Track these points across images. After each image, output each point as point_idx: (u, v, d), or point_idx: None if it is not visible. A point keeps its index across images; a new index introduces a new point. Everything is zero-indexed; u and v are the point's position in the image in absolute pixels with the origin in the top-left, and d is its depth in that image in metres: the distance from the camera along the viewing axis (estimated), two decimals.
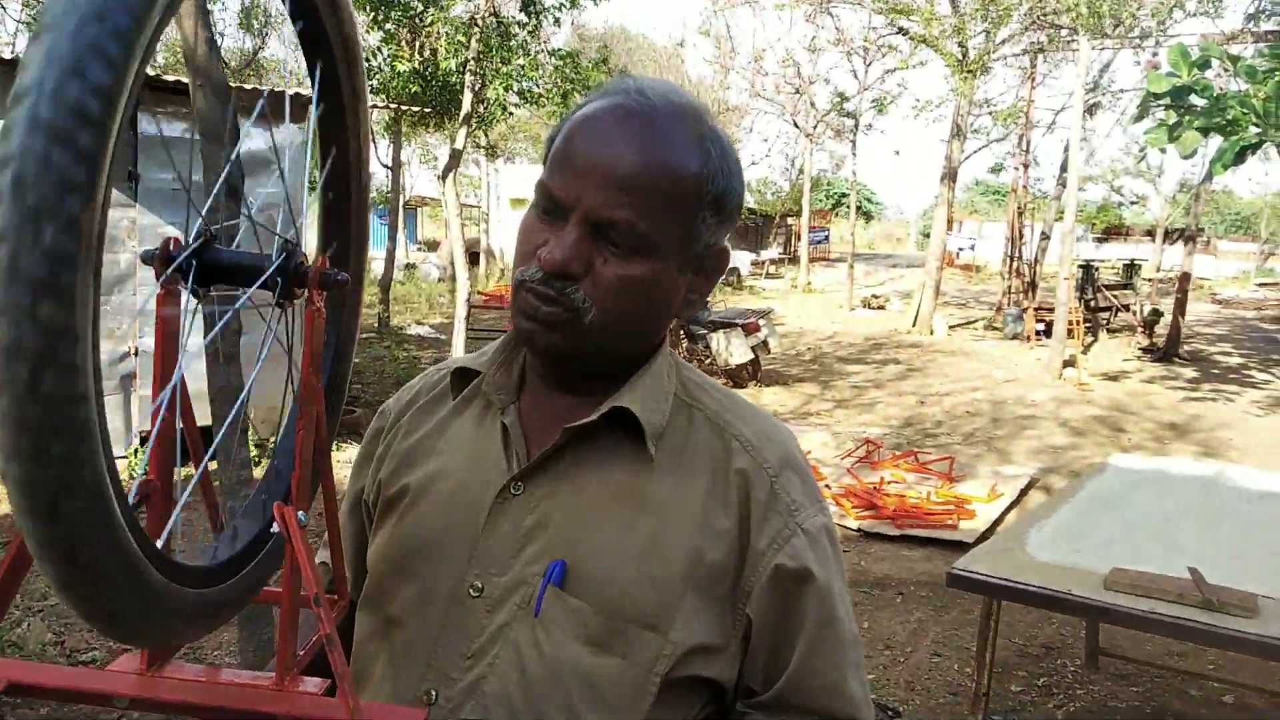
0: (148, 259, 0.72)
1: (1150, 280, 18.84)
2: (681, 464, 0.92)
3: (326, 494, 0.84)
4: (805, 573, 0.90)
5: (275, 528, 0.75)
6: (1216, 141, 8.26)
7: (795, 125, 24.26)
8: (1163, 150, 8.90)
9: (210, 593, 0.70)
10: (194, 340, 0.74)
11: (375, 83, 8.74)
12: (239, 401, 0.62)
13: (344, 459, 6.90)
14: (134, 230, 6.09)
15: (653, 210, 0.87)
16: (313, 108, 0.83)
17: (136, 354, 6.08)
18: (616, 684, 0.87)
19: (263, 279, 0.72)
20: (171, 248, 0.70)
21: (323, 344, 0.80)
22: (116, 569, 0.54)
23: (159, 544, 0.66)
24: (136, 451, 6.14)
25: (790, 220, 32.66)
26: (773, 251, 31.12)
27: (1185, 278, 14.76)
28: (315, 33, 0.80)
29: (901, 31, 17.58)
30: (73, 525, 0.50)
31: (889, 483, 6.79)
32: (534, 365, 0.99)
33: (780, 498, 0.92)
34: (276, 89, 6.87)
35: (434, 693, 0.90)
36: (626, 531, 0.89)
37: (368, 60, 8.76)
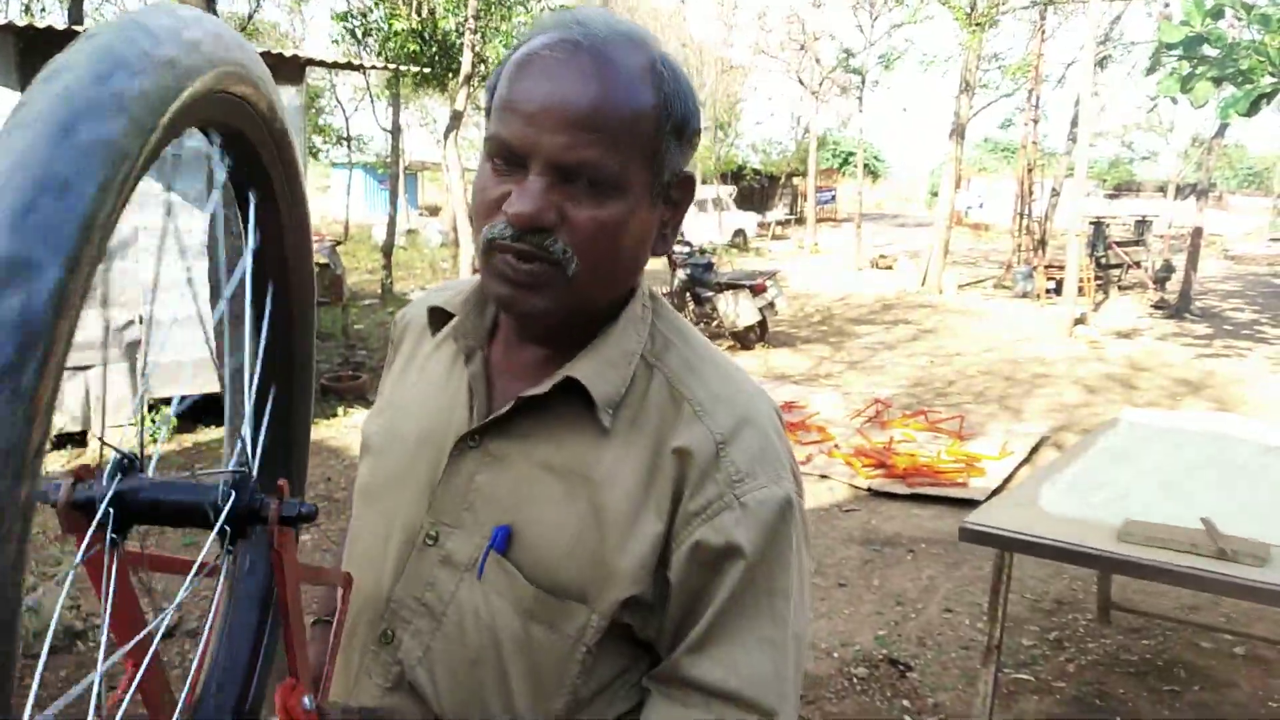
0: (47, 500, 0.56)
1: (1162, 236, 18.67)
2: (632, 431, 0.88)
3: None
4: (730, 549, 0.84)
5: None
6: (1230, 93, 8.15)
7: (800, 83, 24.00)
8: (1174, 100, 8.78)
9: None
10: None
11: (372, 42, 8.63)
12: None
13: (348, 423, 6.92)
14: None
15: (617, 146, 0.82)
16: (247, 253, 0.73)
17: (141, 321, 6.07)
18: (545, 652, 0.87)
19: (217, 520, 0.60)
20: (79, 483, 0.57)
21: (298, 586, 0.73)
22: None
23: None
24: (142, 420, 6.15)
25: (796, 180, 32.40)
26: (779, 213, 30.88)
27: (1197, 232, 14.63)
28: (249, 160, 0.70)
29: None
30: None
31: (899, 442, 6.77)
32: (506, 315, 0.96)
33: (723, 466, 0.86)
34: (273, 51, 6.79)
35: (392, 633, 0.93)
36: (568, 503, 0.87)
37: (364, 18, 8.64)
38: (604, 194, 0.83)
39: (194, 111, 0.51)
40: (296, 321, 0.86)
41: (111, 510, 0.56)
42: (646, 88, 0.84)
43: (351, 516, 1.05)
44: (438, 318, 1.00)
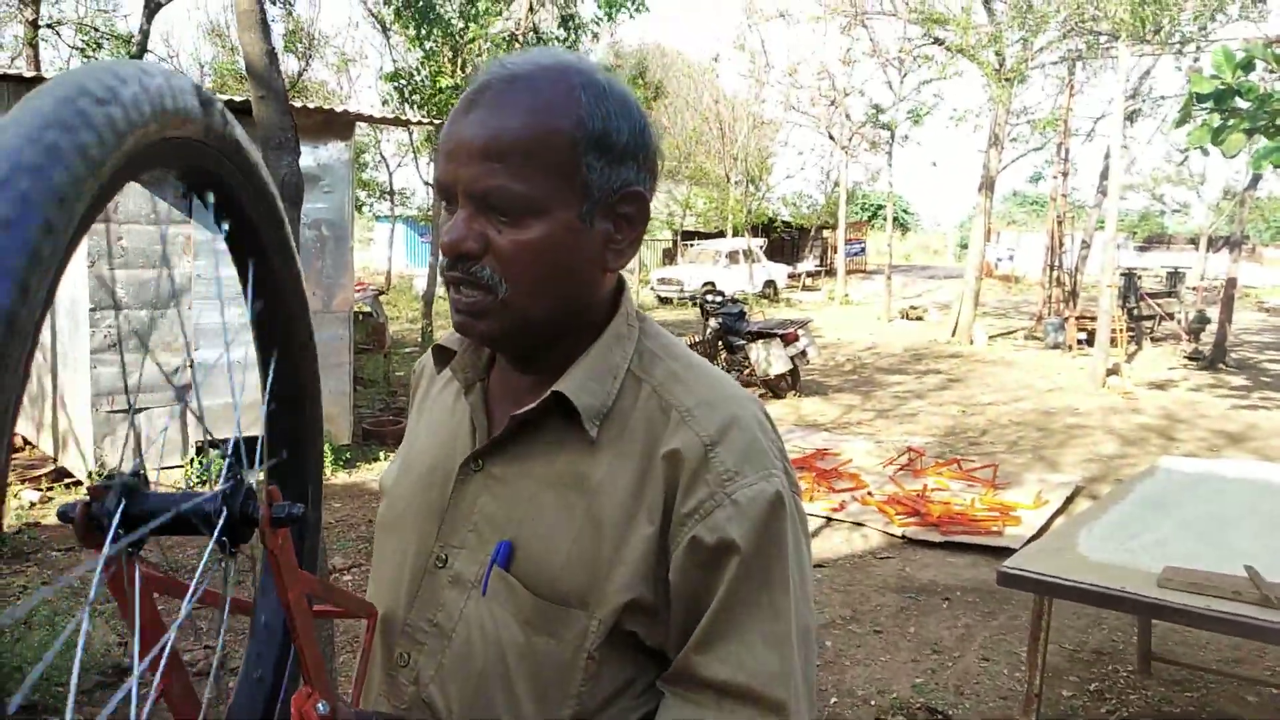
0: (64, 517, 0.63)
1: (1195, 288, 18.54)
2: (623, 441, 0.92)
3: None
4: (724, 545, 0.86)
5: None
6: (1263, 145, 8.16)
7: (830, 138, 24.22)
8: (1205, 152, 8.80)
9: None
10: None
11: (417, 99, 8.90)
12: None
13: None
14: (190, 245, 6.26)
15: (524, 169, 0.86)
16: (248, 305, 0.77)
17: (192, 365, 6.23)
18: (548, 661, 0.90)
19: (214, 528, 0.64)
20: (93, 501, 0.63)
21: (301, 590, 0.75)
22: None
23: None
24: (192, 461, 6.28)
25: (826, 233, 32.55)
26: (809, 264, 31.01)
27: (1231, 283, 14.51)
28: (244, 231, 0.73)
29: (937, 42, 17.54)
30: None
31: (933, 490, 6.76)
32: None
33: (713, 466, 0.89)
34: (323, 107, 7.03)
35: (407, 655, 0.97)
36: (565, 514, 0.91)
37: (410, 79, 8.93)
38: (522, 217, 0.87)
39: (138, 165, 0.54)
40: (294, 336, 0.86)
41: (119, 517, 0.61)
42: (557, 112, 0.87)
43: (374, 551, 1.10)
44: (442, 355, 1.05)
